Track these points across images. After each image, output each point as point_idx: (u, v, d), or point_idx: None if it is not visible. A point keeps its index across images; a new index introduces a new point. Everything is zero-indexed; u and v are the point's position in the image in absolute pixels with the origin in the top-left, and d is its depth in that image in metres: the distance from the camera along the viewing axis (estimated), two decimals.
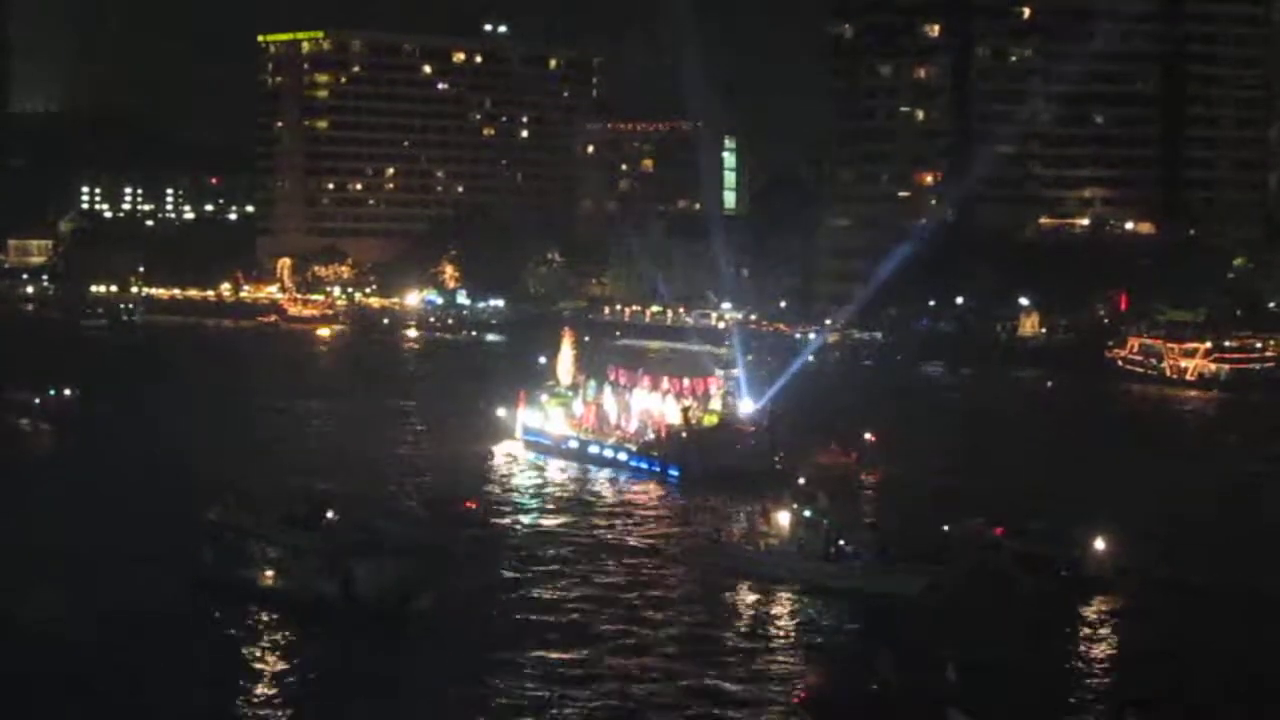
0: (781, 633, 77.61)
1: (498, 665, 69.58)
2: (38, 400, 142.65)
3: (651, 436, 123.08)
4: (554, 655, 71.33)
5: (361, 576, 73.68)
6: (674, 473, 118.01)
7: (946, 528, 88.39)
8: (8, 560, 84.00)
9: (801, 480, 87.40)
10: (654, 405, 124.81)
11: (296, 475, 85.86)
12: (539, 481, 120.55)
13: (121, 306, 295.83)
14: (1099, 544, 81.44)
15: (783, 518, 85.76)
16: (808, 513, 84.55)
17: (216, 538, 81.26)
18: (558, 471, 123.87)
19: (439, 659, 70.86)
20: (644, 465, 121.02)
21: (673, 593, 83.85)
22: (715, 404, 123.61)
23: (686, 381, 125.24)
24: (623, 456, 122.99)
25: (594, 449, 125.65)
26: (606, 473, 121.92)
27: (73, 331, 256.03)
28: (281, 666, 70.94)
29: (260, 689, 67.90)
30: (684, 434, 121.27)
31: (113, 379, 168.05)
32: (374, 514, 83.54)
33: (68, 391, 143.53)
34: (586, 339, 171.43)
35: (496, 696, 66.25)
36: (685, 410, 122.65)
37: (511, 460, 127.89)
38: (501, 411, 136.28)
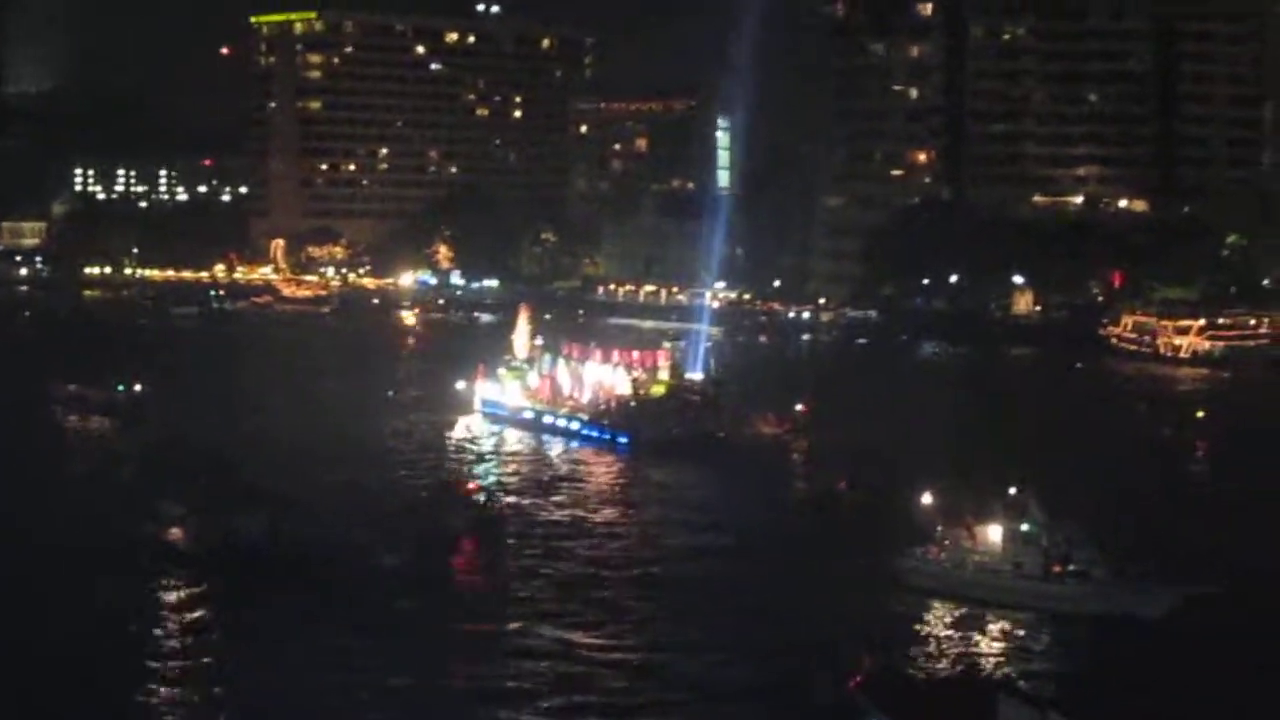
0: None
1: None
2: (101, 395, 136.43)
3: (603, 406, 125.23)
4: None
5: (242, 528, 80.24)
6: (623, 440, 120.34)
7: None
8: None
9: (1012, 490, 78.68)
10: (606, 377, 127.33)
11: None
12: (494, 450, 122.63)
13: (211, 294, 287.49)
14: (926, 497, 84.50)
15: (993, 533, 78.52)
16: (1025, 527, 77.66)
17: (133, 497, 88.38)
18: (514, 441, 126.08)
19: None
20: (595, 434, 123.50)
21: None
22: (663, 374, 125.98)
23: (636, 354, 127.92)
24: (575, 426, 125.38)
25: (548, 419, 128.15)
26: (559, 441, 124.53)
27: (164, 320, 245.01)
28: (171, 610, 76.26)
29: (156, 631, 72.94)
30: (633, 403, 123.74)
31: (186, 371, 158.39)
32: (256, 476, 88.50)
33: (138, 387, 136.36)
34: (547, 317, 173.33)
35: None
36: (634, 381, 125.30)
37: (469, 431, 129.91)
38: (461, 385, 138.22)
